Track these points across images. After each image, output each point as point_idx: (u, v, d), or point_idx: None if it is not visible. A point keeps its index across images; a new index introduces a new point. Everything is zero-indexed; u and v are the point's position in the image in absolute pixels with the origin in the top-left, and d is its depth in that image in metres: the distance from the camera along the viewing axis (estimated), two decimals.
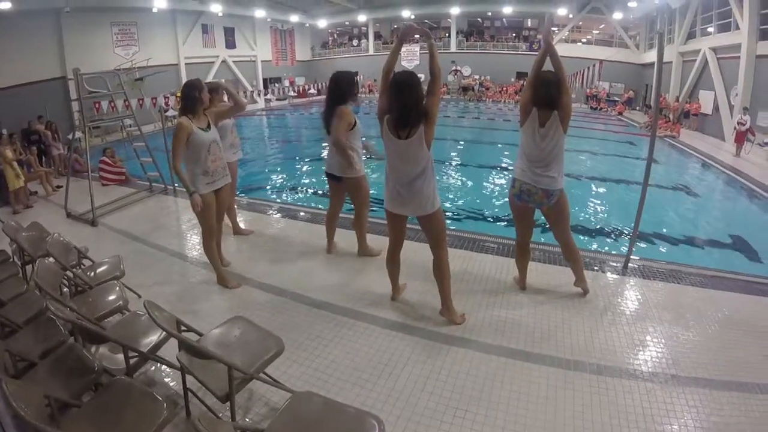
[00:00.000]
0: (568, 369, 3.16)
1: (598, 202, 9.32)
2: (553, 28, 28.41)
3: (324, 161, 5.03)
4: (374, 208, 5.20)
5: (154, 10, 21.64)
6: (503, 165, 12.17)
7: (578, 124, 17.38)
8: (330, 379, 3.08)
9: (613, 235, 7.42)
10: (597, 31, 30.03)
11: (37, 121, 13.11)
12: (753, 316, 3.89)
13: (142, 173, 8.78)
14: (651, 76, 23.94)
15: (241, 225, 5.99)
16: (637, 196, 4.59)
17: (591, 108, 26.37)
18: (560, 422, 2.72)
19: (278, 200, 8.99)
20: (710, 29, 18.19)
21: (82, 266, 4.31)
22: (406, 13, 30.98)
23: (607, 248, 6.74)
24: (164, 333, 2.69)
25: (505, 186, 9.82)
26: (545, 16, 28.87)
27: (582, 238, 7.01)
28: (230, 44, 28.20)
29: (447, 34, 32.86)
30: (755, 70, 15.02)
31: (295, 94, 30.35)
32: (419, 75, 3.65)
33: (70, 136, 11.58)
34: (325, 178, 4.96)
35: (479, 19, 33.75)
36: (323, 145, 7.66)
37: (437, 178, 3.56)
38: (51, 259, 3.77)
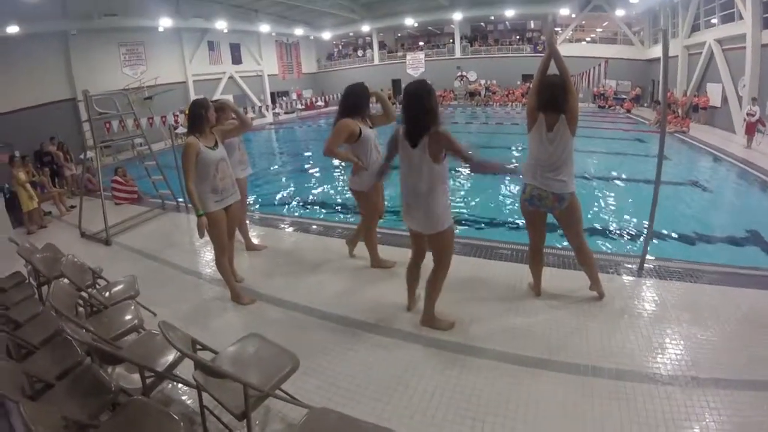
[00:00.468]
0: (586, 375, 3.12)
1: (610, 202, 9.24)
2: (556, 29, 28.39)
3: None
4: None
5: (161, 29, 22.00)
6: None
7: (587, 124, 17.29)
8: (347, 394, 3.07)
9: (626, 236, 7.35)
10: (600, 29, 29.86)
11: (49, 143, 13.32)
12: None
13: (154, 191, 8.87)
14: (657, 72, 23.81)
15: (254, 240, 6.02)
16: (650, 194, 4.54)
17: (599, 107, 26.23)
18: (580, 430, 2.68)
19: (290, 214, 9.01)
20: (714, 21, 18.04)
21: (97, 286, 4.36)
22: (409, 21, 31.21)
23: (621, 249, 6.67)
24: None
25: (516, 191, 9.78)
26: (547, 18, 28.84)
27: (595, 240, 6.94)
28: (236, 60, 28.52)
29: (451, 40, 32.97)
30: (761, 60, 14.85)
31: (303, 106, 30.59)
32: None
33: (82, 156, 11.75)
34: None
35: (482, 24, 33.76)
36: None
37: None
38: (66, 281, 3.81)
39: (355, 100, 4.41)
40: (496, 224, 8.06)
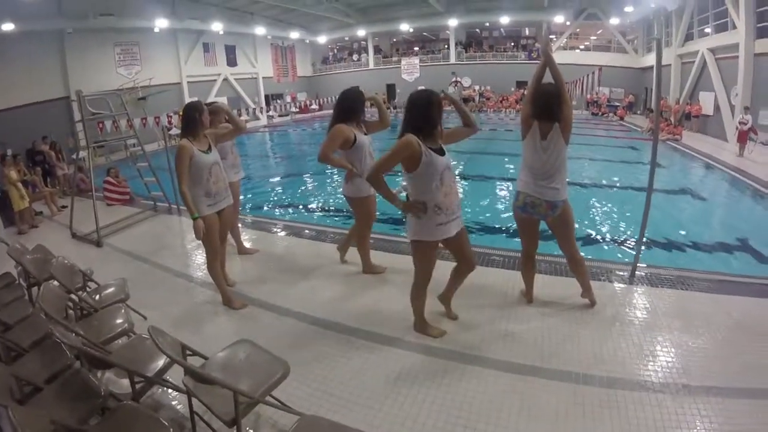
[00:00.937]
0: (577, 383, 3.12)
1: (602, 209, 9.28)
2: (551, 36, 28.59)
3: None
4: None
5: (156, 30, 21.96)
6: (507, 176, 12.14)
7: (580, 131, 17.37)
8: (338, 401, 3.06)
9: (618, 243, 7.37)
10: (595, 37, 30.12)
11: (41, 142, 13.22)
12: (763, 318, 3.85)
13: (146, 193, 8.82)
14: (650, 80, 23.94)
15: (246, 244, 5.99)
16: (642, 201, 4.57)
17: (592, 114, 26.40)
18: None
19: (283, 218, 8.97)
20: (707, 30, 18.21)
21: (88, 289, 4.32)
22: (405, 27, 31.32)
23: (613, 257, 6.70)
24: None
25: (509, 197, 9.81)
26: (542, 26, 29.05)
27: (587, 247, 6.96)
28: (231, 62, 28.47)
29: (446, 46, 33.11)
30: (754, 69, 15.00)
31: (297, 110, 30.55)
32: (420, 86, 3.66)
33: (74, 156, 11.68)
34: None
35: (477, 30, 33.97)
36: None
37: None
38: (56, 283, 3.78)
39: (350, 105, 4.39)
40: (488, 231, 8.06)
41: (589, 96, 24.50)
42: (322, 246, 6.02)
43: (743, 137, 13.51)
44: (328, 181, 12.56)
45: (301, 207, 10.36)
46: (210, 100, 19.48)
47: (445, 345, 3.63)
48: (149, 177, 8.50)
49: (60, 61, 18.51)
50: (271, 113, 29.54)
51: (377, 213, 4.95)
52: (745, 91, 15.11)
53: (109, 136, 10.98)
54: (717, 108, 17.33)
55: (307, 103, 26.98)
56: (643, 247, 4.86)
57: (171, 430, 2.26)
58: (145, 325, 3.12)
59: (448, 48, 32.67)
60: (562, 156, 3.62)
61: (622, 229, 7.98)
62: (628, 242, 7.25)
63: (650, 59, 24.05)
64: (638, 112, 25.95)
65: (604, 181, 11.38)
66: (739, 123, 13.69)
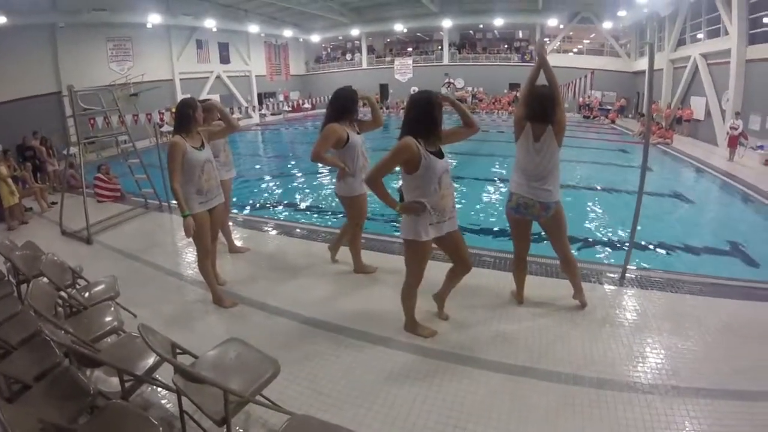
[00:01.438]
0: (567, 383, 3.14)
1: (593, 211, 9.34)
2: (545, 39, 28.73)
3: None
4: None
5: (149, 25, 21.82)
6: (498, 177, 12.19)
7: (572, 134, 17.38)
8: (328, 400, 3.05)
9: (609, 246, 7.42)
10: (588, 41, 30.31)
11: (32, 137, 13.09)
12: (752, 321, 3.89)
13: (137, 190, 8.76)
14: (642, 84, 24.16)
15: (237, 243, 5.97)
16: (632, 204, 4.59)
17: (584, 117, 26.56)
18: None
19: (274, 217, 8.93)
20: (700, 35, 18.40)
21: (77, 286, 4.28)
22: (399, 27, 31.33)
23: (603, 259, 6.74)
24: None
25: (500, 198, 9.84)
26: (536, 28, 29.14)
27: (578, 249, 7.00)
28: (224, 59, 28.34)
29: (439, 47, 33.19)
30: (745, 75, 15.17)
31: (290, 108, 30.48)
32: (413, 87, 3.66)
33: (65, 151, 11.57)
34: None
35: (471, 32, 33.99)
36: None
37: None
38: (45, 280, 3.74)
39: (343, 104, 4.38)
40: (479, 232, 8.07)
41: (581, 99, 24.63)
42: (313, 245, 6.01)
43: (733, 142, 13.66)
44: (320, 179, 12.54)
45: (292, 206, 10.33)
46: (202, 97, 19.42)
47: (436, 345, 3.64)
48: (140, 174, 8.44)
49: (51, 56, 18.35)
50: (263, 112, 29.45)
51: (369, 212, 4.95)
52: (736, 96, 15.28)
53: (100, 133, 10.91)
54: (708, 113, 17.50)
55: (300, 102, 26.89)
56: (635, 250, 4.89)
57: (160, 429, 2.24)
58: (134, 323, 3.09)
59: (442, 49, 32.76)
60: (555, 158, 3.64)
61: (612, 231, 8.04)
62: (618, 245, 7.29)
63: (642, 63, 24.23)
64: (630, 115, 26.14)
65: (594, 184, 11.45)
66: (730, 128, 13.84)
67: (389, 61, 34.08)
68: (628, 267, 4.71)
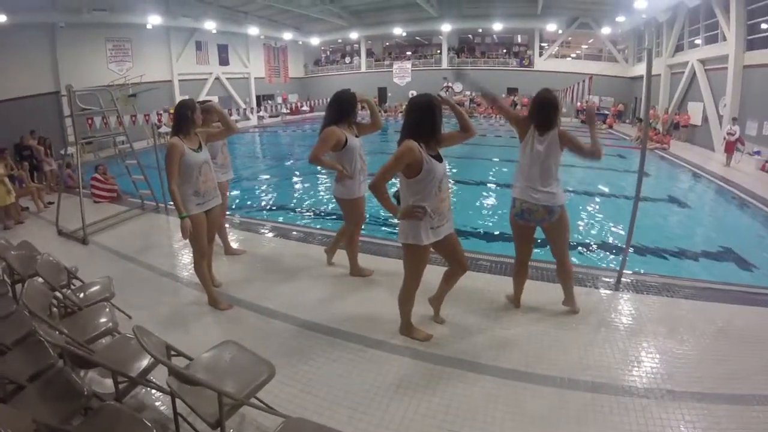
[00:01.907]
0: (563, 388, 3.14)
1: (590, 216, 9.34)
2: (542, 44, 28.92)
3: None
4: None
5: (149, 26, 21.83)
6: (495, 181, 12.16)
7: None
8: (323, 403, 3.04)
9: (605, 250, 7.41)
10: (586, 46, 30.42)
11: (29, 136, 13.03)
12: (747, 326, 3.91)
13: (134, 191, 8.75)
14: (640, 89, 24.24)
15: (233, 245, 5.96)
16: (629, 209, 4.60)
17: (581, 122, 26.57)
18: None
19: (271, 219, 8.90)
20: (698, 41, 18.47)
21: (72, 287, 4.26)
22: (398, 31, 31.36)
23: (599, 263, 6.75)
24: None
25: (497, 203, 9.83)
26: (535, 33, 29.21)
27: (574, 253, 6.99)
28: (224, 61, 28.39)
29: (438, 51, 33.25)
30: (743, 81, 15.24)
31: (288, 111, 30.47)
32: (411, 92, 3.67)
33: (63, 152, 11.53)
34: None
35: (470, 36, 34.12)
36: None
37: None
38: (40, 280, 3.73)
39: (342, 107, 4.38)
40: (476, 236, 8.06)
41: (579, 104, 24.67)
42: (310, 248, 6.00)
43: (730, 147, 13.71)
44: (318, 182, 12.53)
45: (289, 208, 10.31)
46: (201, 99, 19.39)
47: (432, 349, 3.63)
48: (137, 175, 8.42)
49: (51, 55, 18.35)
50: (261, 114, 29.45)
51: (366, 215, 4.95)
52: (733, 102, 15.34)
53: (98, 133, 10.87)
54: (705, 118, 17.56)
55: (298, 104, 26.89)
56: (630, 255, 4.89)
57: (154, 431, 2.23)
58: (129, 324, 3.09)
59: (441, 53, 32.81)
60: (557, 162, 3.66)
61: (608, 236, 8.04)
62: (614, 249, 7.30)
63: (640, 69, 24.31)
64: (627, 120, 26.22)
65: (591, 189, 11.45)
66: (727, 133, 13.87)
67: (388, 65, 34.14)
68: (624, 271, 4.72)
